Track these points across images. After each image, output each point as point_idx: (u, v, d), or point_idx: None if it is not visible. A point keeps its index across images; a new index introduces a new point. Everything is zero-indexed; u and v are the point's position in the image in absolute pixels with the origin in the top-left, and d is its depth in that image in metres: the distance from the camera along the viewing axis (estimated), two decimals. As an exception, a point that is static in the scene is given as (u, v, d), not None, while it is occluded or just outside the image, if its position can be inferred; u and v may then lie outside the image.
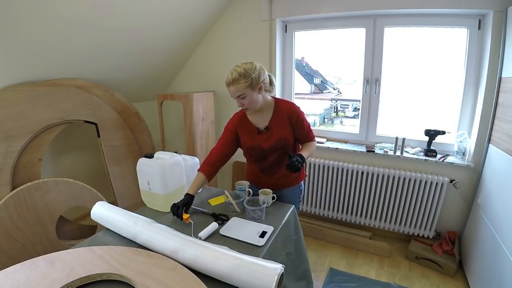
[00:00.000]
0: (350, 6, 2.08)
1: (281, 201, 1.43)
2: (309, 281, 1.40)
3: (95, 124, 2.08)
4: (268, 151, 1.37)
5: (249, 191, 1.44)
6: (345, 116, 2.90)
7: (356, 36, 2.25)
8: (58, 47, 1.72)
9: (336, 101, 2.92)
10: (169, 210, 1.28)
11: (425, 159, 2.05)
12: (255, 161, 1.44)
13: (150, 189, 1.30)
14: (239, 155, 1.56)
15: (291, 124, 1.34)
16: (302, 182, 1.55)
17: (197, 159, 1.50)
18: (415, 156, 2.08)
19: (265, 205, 1.27)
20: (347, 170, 2.25)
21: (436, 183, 2.01)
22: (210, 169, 1.36)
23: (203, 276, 0.86)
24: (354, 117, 2.71)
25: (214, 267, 0.85)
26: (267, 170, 1.43)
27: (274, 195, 1.34)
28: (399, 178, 2.11)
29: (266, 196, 1.31)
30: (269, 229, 1.14)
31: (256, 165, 1.45)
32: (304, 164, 1.26)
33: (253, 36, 2.45)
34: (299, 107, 1.38)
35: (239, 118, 1.41)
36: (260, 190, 1.35)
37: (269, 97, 1.37)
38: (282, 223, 1.21)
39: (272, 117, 1.35)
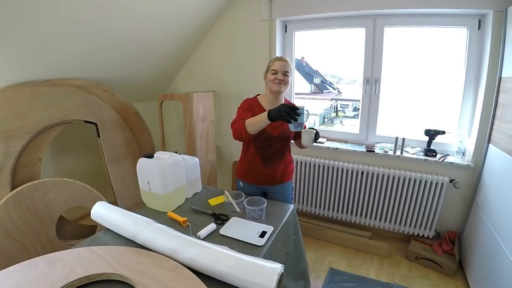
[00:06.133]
0: (350, 6, 2.08)
1: (275, 197, 1.54)
2: (307, 280, 1.40)
3: (95, 124, 2.08)
4: (275, 138, 1.47)
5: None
6: (345, 116, 2.90)
7: (356, 36, 2.25)
8: (58, 47, 1.72)
9: (336, 101, 2.92)
10: (168, 210, 1.28)
11: (425, 159, 2.05)
12: (259, 149, 1.49)
13: (150, 189, 1.30)
14: (238, 155, 1.57)
15: None
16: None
17: (197, 159, 1.50)
18: (415, 156, 2.08)
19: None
20: (347, 170, 2.25)
21: (436, 183, 2.01)
22: None
23: (203, 276, 0.86)
24: (354, 117, 2.71)
25: (214, 267, 0.85)
26: (269, 159, 1.50)
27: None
28: (399, 178, 2.11)
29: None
30: (269, 229, 1.14)
31: (259, 153, 1.50)
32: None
33: (253, 36, 2.45)
34: None
35: (253, 103, 1.50)
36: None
37: None
38: (282, 223, 1.21)
39: None
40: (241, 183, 1.61)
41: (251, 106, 1.47)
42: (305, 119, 1.27)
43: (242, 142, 1.55)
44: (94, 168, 2.52)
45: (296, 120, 1.19)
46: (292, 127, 1.26)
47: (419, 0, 1.88)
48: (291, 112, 1.16)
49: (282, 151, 1.52)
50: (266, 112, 1.22)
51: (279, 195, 1.57)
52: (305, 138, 1.34)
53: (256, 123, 1.28)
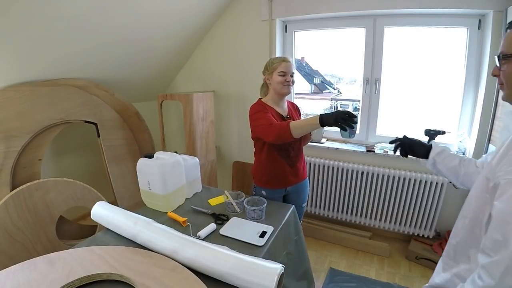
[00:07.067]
0: (350, 6, 2.08)
1: (297, 197, 1.59)
2: (310, 281, 1.40)
3: (95, 124, 2.08)
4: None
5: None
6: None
7: (356, 36, 2.25)
8: (58, 47, 1.72)
9: (336, 101, 2.92)
10: (168, 210, 1.28)
11: (425, 159, 2.04)
12: (281, 150, 1.47)
13: (150, 189, 1.30)
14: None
15: (299, 116, 1.63)
16: None
17: (197, 159, 1.50)
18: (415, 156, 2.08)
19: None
20: (347, 170, 2.25)
21: (436, 183, 2.01)
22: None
23: (203, 276, 0.86)
24: (354, 117, 2.71)
25: (214, 267, 0.85)
26: (291, 158, 1.51)
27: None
28: (399, 178, 2.11)
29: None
30: (269, 229, 1.14)
31: (282, 155, 1.48)
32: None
33: (253, 36, 2.45)
34: None
35: (263, 105, 1.47)
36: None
37: None
38: (282, 223, 1.21)
39: (288, 108, 1.57)
40: (263, 191, 1.54)
41: (265, 108, 1.44)
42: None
43: (254, 149, 1.56)
44: (94, 168, 2.52)
45: (352, 127, 1.17)
46: (346, 134, 1.22)
47: (419, 0, 1.88)
48: (348, 120, 1.13)
49: (300, 147, 1.55)
50: (317, 117, 1.19)
51: (301, 194, 1.60)
52: (316, 132, 1.33)
53: (304, 127, 1.25)
